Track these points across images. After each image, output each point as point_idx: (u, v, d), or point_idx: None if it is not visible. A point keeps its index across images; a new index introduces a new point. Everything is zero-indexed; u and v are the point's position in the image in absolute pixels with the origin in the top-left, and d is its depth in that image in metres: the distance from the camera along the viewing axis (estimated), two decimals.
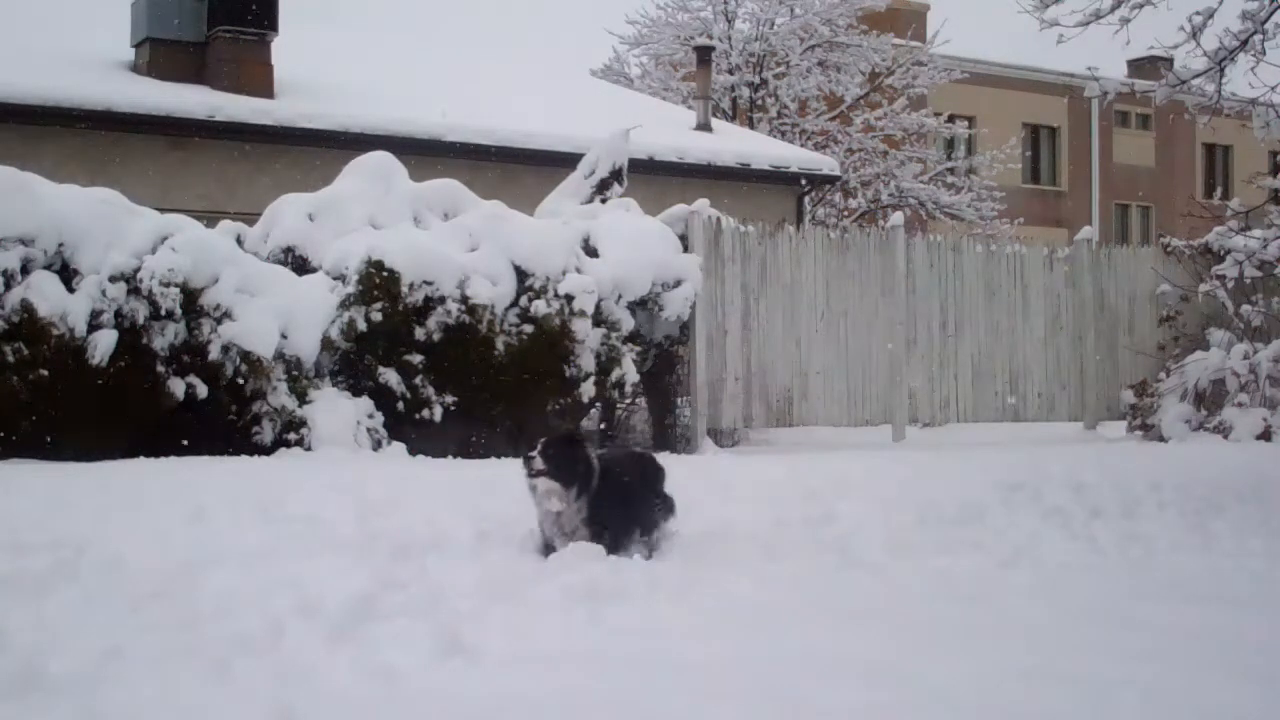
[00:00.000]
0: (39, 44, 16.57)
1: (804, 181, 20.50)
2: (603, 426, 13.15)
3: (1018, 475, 8.80)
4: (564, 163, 15.03)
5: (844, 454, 10.94)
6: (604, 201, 13.37)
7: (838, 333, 13.89)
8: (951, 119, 29.74)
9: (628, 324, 12.17)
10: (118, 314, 10.17)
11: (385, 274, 11.03)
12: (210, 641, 4.08)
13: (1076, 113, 36.99)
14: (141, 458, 9.59)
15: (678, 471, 6.83)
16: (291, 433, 10.39)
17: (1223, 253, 15.43)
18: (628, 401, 13.08)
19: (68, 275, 10.21)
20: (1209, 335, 15.17)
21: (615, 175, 13.65)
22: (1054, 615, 4.75)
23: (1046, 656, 4.11)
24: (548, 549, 5.81)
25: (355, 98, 17.16)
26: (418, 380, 11.08)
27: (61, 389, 9.88)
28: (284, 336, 10.62)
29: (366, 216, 11.70)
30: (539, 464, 5.68)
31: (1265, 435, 13.30)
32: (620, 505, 5.88)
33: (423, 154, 15.50)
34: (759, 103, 27.30)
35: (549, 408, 11.80)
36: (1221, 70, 8.15)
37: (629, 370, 12.02)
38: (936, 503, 7.49)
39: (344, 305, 10.95)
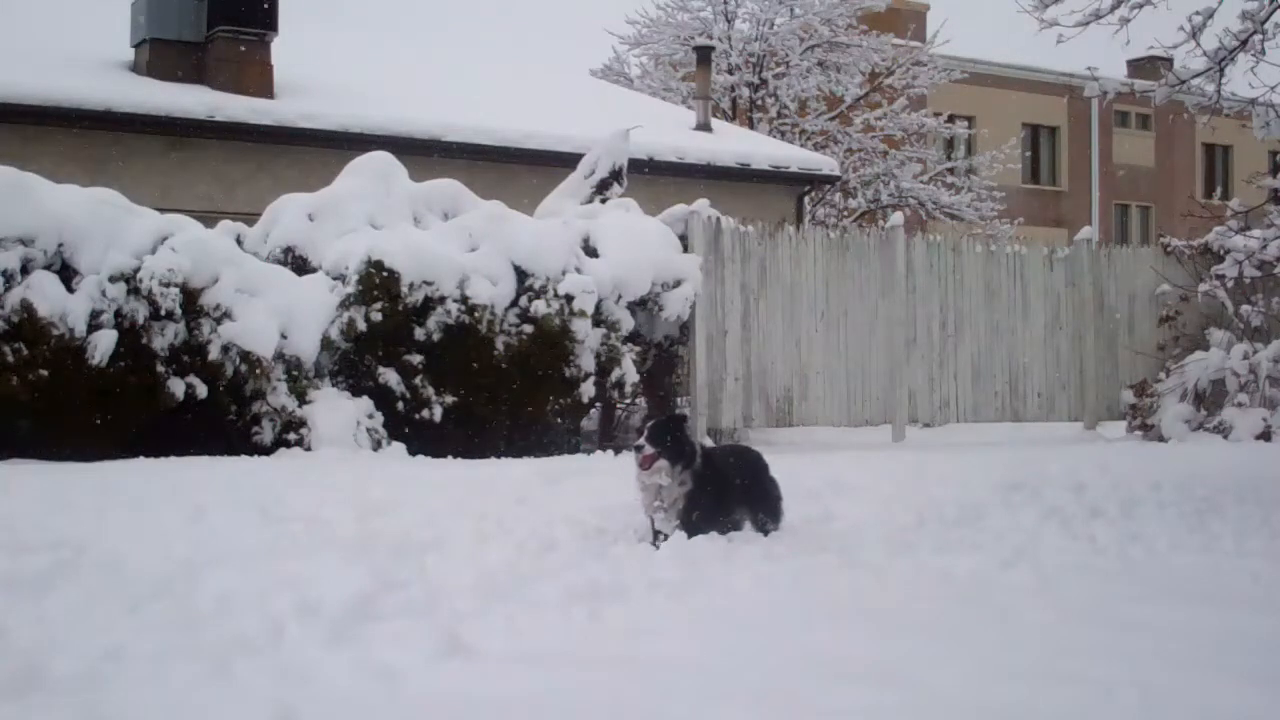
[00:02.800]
0: (39, 44, 16.57)
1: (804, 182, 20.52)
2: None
3: (1017, 475, 8.80)
4: (564, 163, 15.03)
5: (844, 454, 10.93)
6: (604, 202, 13.37)
7: (838, 333, 13.89)
8: (951, 119, 29.73)
9: (628, 324, 12.18)
10: (117, 314, 10.17)
11: (385, 274, 11.03)
12: (210, 641, 4.07)
13: (1076, 113, 36.97)
14: (141, 458, 9.59)
15: None
16: (291, 433, 10.39)
17: (1223, 253, 15.45)
18: (628, 401, 13.08)
19: (68, 275, 10.22)
20: (1209, 335, 15.18)
21: (615, 175, 13.65)
22: (1054, 615, 4.74)
23: (1047, 657, 4.10)
24: (655, 533, 6.09)
25: (355, 98, 17.16)
26: (418, 380, 11.08)
27: (61, 389, 9.88)
28: (284, 336, 10.63)
29: (366, 216, 11.70)
30: (645, 440, 5.99)
31: (1265, 435, 13.31)
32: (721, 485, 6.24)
33: (422, 154, 15.51)
34: (759, 103, 27.30)
35: (549, 408, 11.80)
36: (1221, 70, 8.14)
37: (629, 370, 12.02)
38: (936, 503, 7.49)
39: (344, 305, 10.96)
